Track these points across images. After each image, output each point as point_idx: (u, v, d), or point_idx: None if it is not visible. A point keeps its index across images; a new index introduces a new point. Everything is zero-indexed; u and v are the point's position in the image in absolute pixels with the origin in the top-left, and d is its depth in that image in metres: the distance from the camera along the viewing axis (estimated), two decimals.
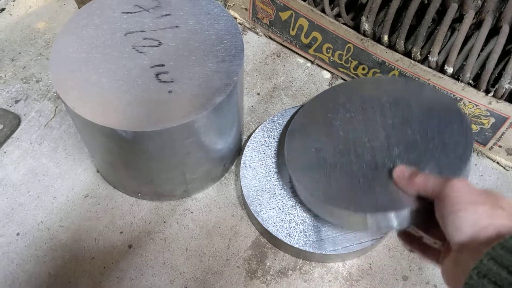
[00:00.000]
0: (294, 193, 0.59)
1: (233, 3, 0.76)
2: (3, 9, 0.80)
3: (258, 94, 0.72)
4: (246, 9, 0.75)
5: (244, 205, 0.61)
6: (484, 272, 0.31)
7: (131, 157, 0.52)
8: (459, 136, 0.52)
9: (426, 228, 0.45)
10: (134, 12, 0.56)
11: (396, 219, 0.47)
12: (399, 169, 0.47)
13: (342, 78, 0.72)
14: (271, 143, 0.63)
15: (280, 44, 0.76)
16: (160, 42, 0.53)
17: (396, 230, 0.47)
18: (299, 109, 0.60)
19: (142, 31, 0.54)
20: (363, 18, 0.61)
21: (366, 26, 0.61)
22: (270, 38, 0.77)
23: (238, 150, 0.65)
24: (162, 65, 0.51)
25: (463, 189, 0.38)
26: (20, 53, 0.75)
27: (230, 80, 0.50)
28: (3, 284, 0.56)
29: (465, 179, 0.41)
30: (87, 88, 0.49)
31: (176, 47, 0.53)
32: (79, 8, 0.75)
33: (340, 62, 0.69)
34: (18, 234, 0.59)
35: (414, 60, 0.61)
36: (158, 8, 0.56)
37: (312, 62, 0.74)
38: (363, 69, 0.67)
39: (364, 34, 0.62)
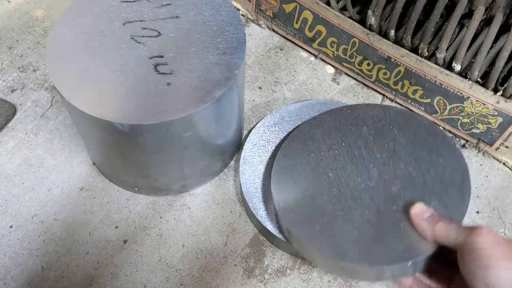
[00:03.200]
0: None
1: None
2: None
3: (260, 88, 0.71)
4: (249, 0, 0.73)
5: (243, 201, 0.60)
6: None
7: (128, 150, 0.51)
8: (453, 165, 0.50)
9: (432, 272, 0.43)
10: (134, 1, 0.54)
11: (413, 268, 0.44)
12: (418, 209, 0.44)
13: (346, 74, 0.71)
14: (272, 138, 0.61)
15: (284, 37, 0.74)
16: (159, 33, 0.52)
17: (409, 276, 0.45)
18: (279, 149, 0.57)
19: (141, 20, 0.52)
20: (369, 12, 0.59)
21: (372, 20, 0.59)
22: (273, 30, 0.75)
23: (238, 145, 0.63)
24: (161, 57, 0.50)
25: (491, 241, 0.35)
26: (17, 41, 0.74)
27: (231, 73, 0.49)
28: None
29: (490, 229, 0.38)
30: (84, 79, 0.48)
31: (176, 38, 0.51)
32: None
33: (345, 57, 0.68)
34: (11, 226, 0.58)
35: (421, 56, 0.59)
36: None
37: (315, 56, 0.72)
38: (368, 64, 0.65)
39: (370, 28, 0.60)
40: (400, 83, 0.64)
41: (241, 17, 0.75)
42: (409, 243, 0.45)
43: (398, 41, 0.61)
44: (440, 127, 0.56)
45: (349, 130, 0.55)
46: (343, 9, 0.64)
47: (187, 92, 0.48)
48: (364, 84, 0.70)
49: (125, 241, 0.57)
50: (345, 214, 0.49)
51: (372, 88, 0.69)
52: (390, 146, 0.53)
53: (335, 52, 0.68)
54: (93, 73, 0.48)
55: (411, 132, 0.54)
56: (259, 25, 0.76)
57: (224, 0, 0.55)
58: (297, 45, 0.74)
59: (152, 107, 0.46)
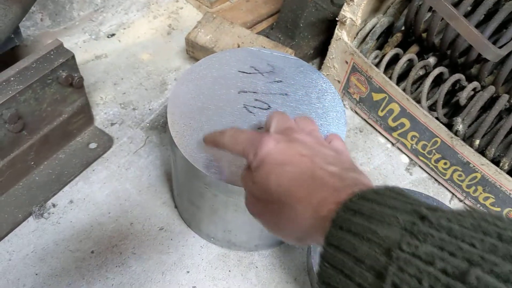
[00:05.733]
0: None
1: (327, 73, 0.80)
2: (113, 35, 0.87)
3: None
4: (339, 81, 0.79)
5: (308, 271, 0.63)
6: (327, 279, 0.29)
7: (221, 207, 0.55)
8: None
9: None
10: (250, 73, 0.59)
11: None
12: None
13: (420, 166, 0.74)
14: None
15: (365, 120, 0.79)
16: (269, 106, 0.57)
17: None
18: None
19: (255, 92, 0.58)
20: (459, 119, 0.63)
21: (460, 127, 0.63)
22: (356, 112, 0.80)
23: None
24: None
25: (272, 147, 0.38)
26: (122, 79, 0.80)
27: None
28: None
29: (272, 134, 0.40)
30: (198, 137, 0.53)
31: None
32: (187, 51, 0.80)
33: (422, 152, 0.71)
34: (92, 252, 0.62)
35: (501, 168, 0.62)
36: (271, 74, 0.60)
37: (393, 144, 0.76)
38: (445, 163, 0.69)
39: (456, 133, 0.64)
40: (473, 188, 0.67)
41: None
42: None
43: (480, 150, 0.64)
44: None
45: None
46: (431, 108, 0.69)
47: None
48: (435, 180, 0.73)
49: None
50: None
51: (443, 185, 0.72)
52: None
53: (414, 145, 0.72)
54: (207, 133, 0.53)
55: None
56: (343, 105, 0.81)
57: (330, 86, 0.60)
58: (376, 130, 0.78)
59: None
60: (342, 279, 0.28)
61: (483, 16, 0.66)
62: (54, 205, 0.65)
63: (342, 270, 0.28)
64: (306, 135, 0.40)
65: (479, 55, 0.64)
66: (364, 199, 0.29)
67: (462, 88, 0.67)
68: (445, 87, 0.64)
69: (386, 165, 0.75)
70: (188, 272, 0.62)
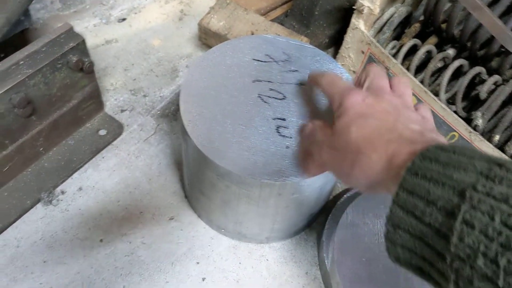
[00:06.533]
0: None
1: (342, 63, 0.78)
2: (124, 19, 0.85)
3: None
4: (354, 71, 0.77)
5: (319, 265, 0.61)
6: (397, 222, 0.30)
7: (233, 198, 0.54)
8: None
9: None
10: (265, 62, 0.58)
11: None
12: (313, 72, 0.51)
13: None
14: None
15: None
16: (284, 96, 0.55)
17: None
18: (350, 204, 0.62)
19: (269, 81, 0.56)
20: (478, 114, 0.61)
21: (479, 122, 0.61)
22: None
23: (323, 209, 0.66)
24: (283, 119, 0.53)
25: (356, 101, 0.39)
26: (133, 64, 0.79)
27: None
28: (80, 286, 0.57)
29: (362, 90, 0.41)
30: (211, 127, 0.51)
31: (298, 104, 0.55)
32: (199, 37, 0.78)
33: None
34: (101, 240, 0.61)
35: None
36: (287, 62, 0.58)
37: None
38: None
39: (475, 128, 0.62)
40: None
41: None
42: None
43: (499, 146, 0.62)
44: None
45: None
46: (449, 101, 0.67)
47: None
48: None
49: (203, 279, 0.60)
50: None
51: None
52: None
53: None
54: (220, 123, 0.52)
55: None
56: None
57: (346, 77, 0.58)
58: None
59: (269, 166, 0.50)
60: (412, 221, 0.29)
61: (506, 7, 0.64)
62: (63, 192, 0.64)
63: (413, 212, 0.29)
64: (396, 97, 0.40)
65: (501, 47, 0.62)
66: (441, 150, 0.30)
67: (482, 81, 0.64)
68: (466, 79, 0.62)
69: None
70: (198, 263, 0.61)
